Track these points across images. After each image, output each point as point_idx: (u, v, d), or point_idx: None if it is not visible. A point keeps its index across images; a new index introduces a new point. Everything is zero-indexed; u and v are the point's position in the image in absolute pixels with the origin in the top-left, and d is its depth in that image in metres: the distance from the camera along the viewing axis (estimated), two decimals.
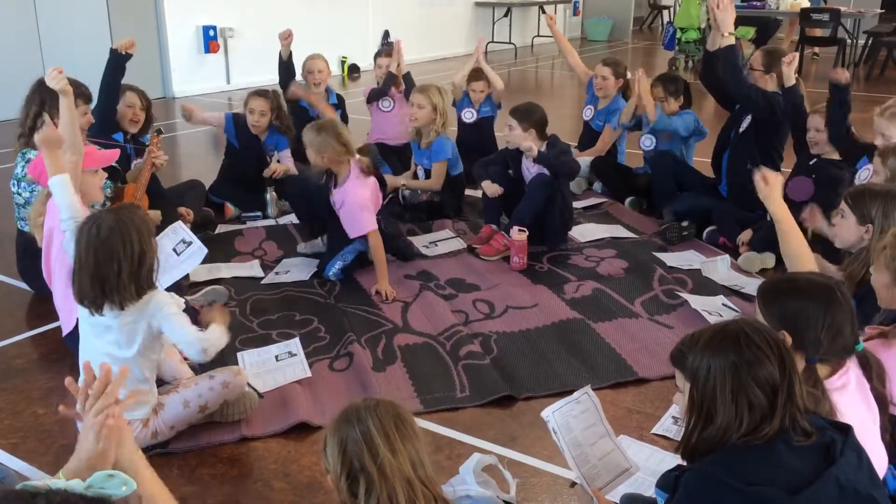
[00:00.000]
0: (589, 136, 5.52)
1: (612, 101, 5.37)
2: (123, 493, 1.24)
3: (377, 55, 5.91)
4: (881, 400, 1.90)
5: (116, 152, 3.36)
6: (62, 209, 2.77)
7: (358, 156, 3.90)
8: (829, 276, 2.00)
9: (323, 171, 3.93)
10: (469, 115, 5.53)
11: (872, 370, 1.91)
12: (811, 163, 4.12)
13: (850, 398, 1.84)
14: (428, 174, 4.84)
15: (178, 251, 3.22)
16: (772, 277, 2.12)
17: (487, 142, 5.43)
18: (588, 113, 5.55)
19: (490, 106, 5.55)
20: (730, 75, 4.23)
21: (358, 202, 3.78)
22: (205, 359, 2.49)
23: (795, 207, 4.05)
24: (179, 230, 3.31)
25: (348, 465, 1.58)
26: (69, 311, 2.91)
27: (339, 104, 5.49)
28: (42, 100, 3.58)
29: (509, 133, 4.22)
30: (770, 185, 2.49)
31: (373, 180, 3.93)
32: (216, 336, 2.51)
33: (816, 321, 1.84)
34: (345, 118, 5.50)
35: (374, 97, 5.58)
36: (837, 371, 1.88)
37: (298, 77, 5.47)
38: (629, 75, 5.34)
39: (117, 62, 4.11)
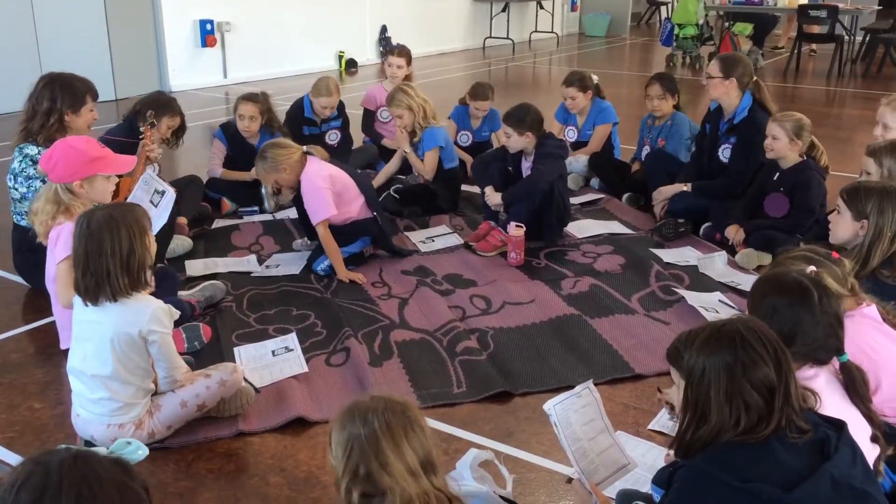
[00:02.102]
0: (577, 144, 5.45)
1: (592, 107, 5.33)
2: (139, 456, 1.37)
3: (390, 52, 5.85)
4: (867, 416, 1.90)
5: (133, 160, 3.35)
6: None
7: (305, 148, 3.94)
8: (818, 280, 2.01)
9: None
10: (465, 139, 5.51)
11: (857, 383, 1.92)
12: (775, 178, 4.14)
13: (819, 386, 1.86)
14: None
15: (155, 202, 3.29)
16: (772, 269, 2.13)
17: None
18: (571, 134, 5.44)
19: (489, 130, 5.52)
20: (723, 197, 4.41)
21: (311, 189, 3.81)
22: (169, 389, 2.58)
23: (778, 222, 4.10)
24: (150, 180, 3.39)
25: (353, 469, 1.53)
26: (67, 326, 2.91)
27: (340, 112, 5.46)
28: (53, 97, 3.57)
29: (507, 141, 4.26)
30: None
31: (335, 173, 3.91)
32: (186, 377, 2.61)
33: (782, 316, 1.88)
34: (346, 122, 5.51)
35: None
36: (802, 367, 1.91)
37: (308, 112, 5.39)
38: (595, 78, 5.33)
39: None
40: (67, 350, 2.59)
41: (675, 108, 5.04)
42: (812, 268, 2.15)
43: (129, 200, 3.33)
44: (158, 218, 3.27)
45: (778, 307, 1.90)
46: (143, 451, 1.40)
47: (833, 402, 1.84)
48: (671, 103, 5.00)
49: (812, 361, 1.92)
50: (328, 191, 3.82)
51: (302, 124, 5.30)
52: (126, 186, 3.90)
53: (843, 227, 2.78)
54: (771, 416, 1.53)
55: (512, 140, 4.22)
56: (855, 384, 1.91)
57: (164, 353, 2.50)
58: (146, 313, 2.43)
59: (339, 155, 5.41)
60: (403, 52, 5.72)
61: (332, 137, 5.39)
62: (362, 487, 1.53)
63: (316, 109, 5.30)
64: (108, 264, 2.37)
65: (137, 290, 2.44)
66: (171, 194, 3.32)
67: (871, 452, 1.82)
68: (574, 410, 1.99)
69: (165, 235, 3.64)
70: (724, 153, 4.48)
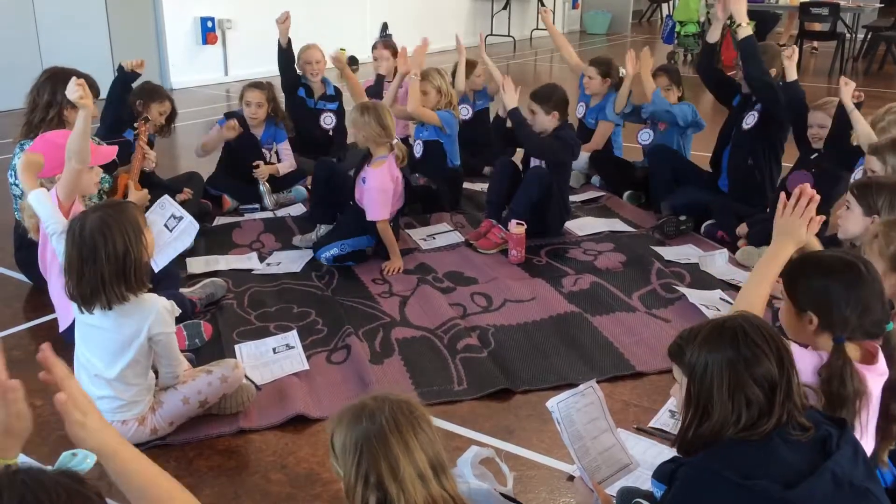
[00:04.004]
0: (582, 133, 5.43)
1: (604, 98, 5.34)
2: (88, 465, 1.35)
3: (374, 46, 5.87)
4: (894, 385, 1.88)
5: (114, 150, 3.33)
6: (45, 221, 2.80)
7: (397, 140, 4.00)
8: (856, 254, 1.97)
9: (361, 154, 4.08)
10: (465, 112, 5.52)
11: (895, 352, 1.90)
12: (812, 157, 4.14)
13: (875, 385, 1.84)
14: (424, 149, 4.84)
15: (170, 227, 3.21)
16: (793, 259, 2.07)
17: (484, 135, 5.42)
18: (580, 110, 5.50)
19: (485, 98, 5.59)
20: (751, 65, 4.25)
21: (382, 187, 3.86)
22: (170, 384, 2.60)
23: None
24: (167, 205, 3.30)
25: (364, 475, 1.45)
26: (65, 307, 2.91)
27: (337, 96, 5.48)
28: (54, 90, 3.59)
29: (532, 118, 4.22)
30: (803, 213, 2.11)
31: (399, 176, 3.99)
32: (187, 374, 2.64)
33: (841, 299, 1.82)
34: (341, 111, 5.50)
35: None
36: (878, 356, 1.87)
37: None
38: (622, 72, 5.33)
39: (125, 80, 4.28)
40: (70, 346, 2.58)
41: (679, 99, 5.04)
42: None
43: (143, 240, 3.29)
44: (175, 242, 3.18)
45: (832, 290, 1.83)
46: (91, 460, 1.36)
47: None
48: (676, 95, 5.01)
49: (867, 336, 1.87)
50: (391, 194, 3.90)
51: (295, 88, 5.29)
52: (123, 181, 3.91)
53: (853, 222, 2.77)
54: (772, 411, 1.52)
55: (538, 118, 4.20)
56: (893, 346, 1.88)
57: (168, 351, 2.51)
58: (150, 317, 2.42)
59: (335, 143, 5.43)
60: (388, 43, 5.74)
61: (328, 121, 5.41)
62: (377, 494, 1.45)
63: (305, 70, 5.30)
64: (103, 271, 2.34)
65: (134, 294, 2.41)
66: (188, 221, 3.18)
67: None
68: (577, 409, 1.99)
69: None
70: (748, 120, 4.43)
